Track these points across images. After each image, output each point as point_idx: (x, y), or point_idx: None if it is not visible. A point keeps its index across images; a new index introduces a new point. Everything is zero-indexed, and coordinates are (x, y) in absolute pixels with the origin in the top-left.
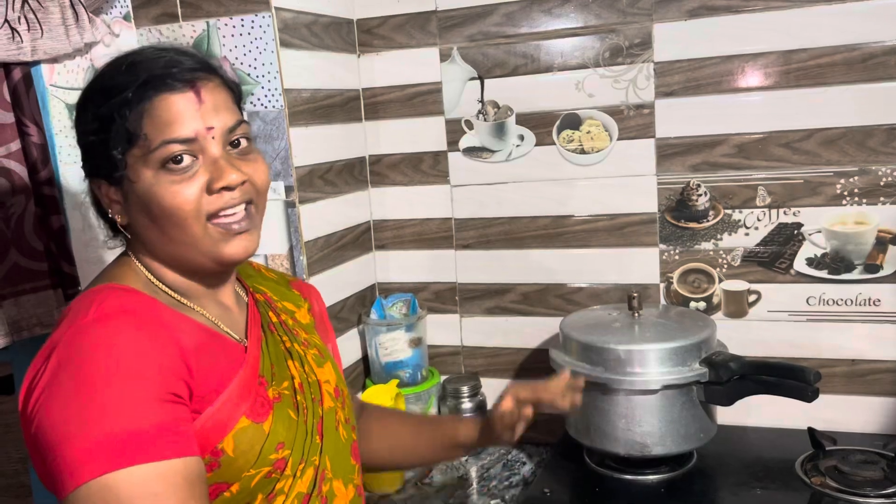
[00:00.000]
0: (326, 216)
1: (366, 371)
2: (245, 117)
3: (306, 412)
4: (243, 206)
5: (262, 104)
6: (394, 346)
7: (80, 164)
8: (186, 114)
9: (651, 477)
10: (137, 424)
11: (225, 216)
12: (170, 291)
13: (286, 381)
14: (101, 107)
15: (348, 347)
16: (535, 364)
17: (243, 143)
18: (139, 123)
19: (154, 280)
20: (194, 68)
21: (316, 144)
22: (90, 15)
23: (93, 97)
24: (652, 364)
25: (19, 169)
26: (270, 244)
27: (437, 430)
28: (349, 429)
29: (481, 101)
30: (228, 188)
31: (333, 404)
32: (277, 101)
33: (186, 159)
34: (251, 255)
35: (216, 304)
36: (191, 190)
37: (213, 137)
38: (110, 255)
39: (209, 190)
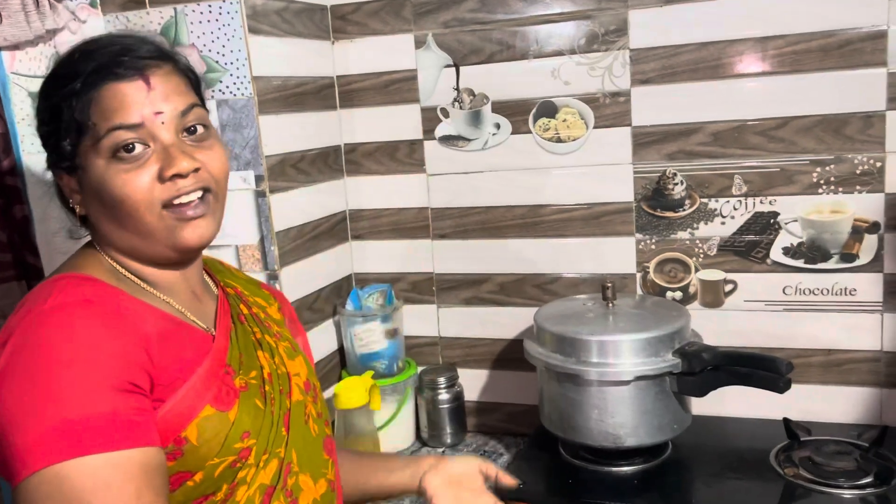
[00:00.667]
0: (299, 206)
1: (341, 362)
2: (204, 104)
3: (273, 403)
4: (198, 193)
5: (230, 92)
6: (369, 338)
7: (43, 152)
8: (135, 100)
9: (625, 468)
10: (91, 412)
11: (179, 204)
12: (135, 279)
13: (254, 371)
14: (52, 97)
15: (323, 339)
16: (511, 355)
17: (199, 129)
18: (87, 113)
19: (118, 268)
20: (145, 56)
21: (287, 133)
22: (52, 1)
23: (46, 87)
24: (625, 355)
25: None
26: (241, 235)
27: (374, 469)
28: (321, 423)
29: (457, 88)
30: (180, 175)
31: (303, 398)
32: (246, 88)
33: (138, 147)
34: (208, 241)
35: (184, 294)
36: (142, 178)
37: (162, 123)
38: (76, 246)
39: (160, 178)
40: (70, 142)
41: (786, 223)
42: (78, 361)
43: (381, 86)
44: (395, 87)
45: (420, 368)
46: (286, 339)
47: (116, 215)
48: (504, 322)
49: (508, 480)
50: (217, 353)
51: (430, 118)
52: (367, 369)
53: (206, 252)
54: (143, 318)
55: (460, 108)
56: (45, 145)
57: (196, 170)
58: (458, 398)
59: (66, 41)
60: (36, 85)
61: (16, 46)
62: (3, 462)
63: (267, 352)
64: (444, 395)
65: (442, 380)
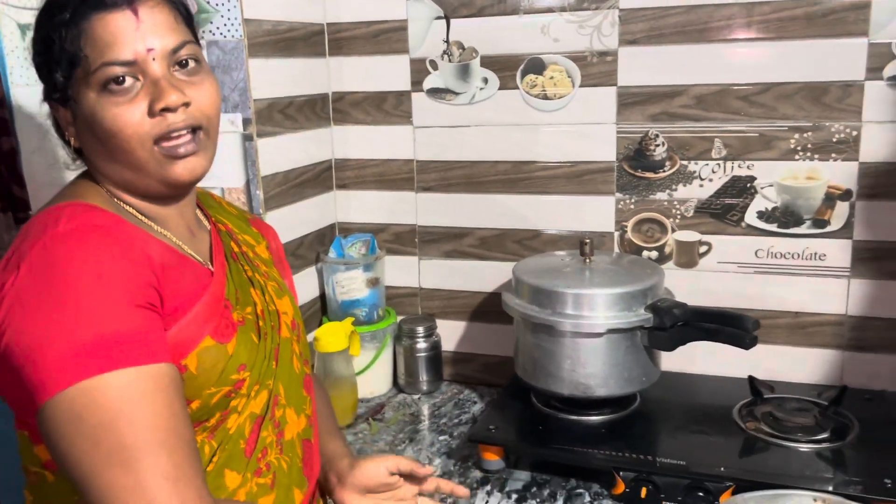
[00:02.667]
0: (286, 152)
1: (322, 308)
2: (197, 40)
3: (266, 338)
4: (189, 130)
5: (220, 33)
6: (351, 285)
7: (32, 85)
8: (125, 34)
9: (594, 418)
10: (120, 328)
11: (169, 140)
12: (133, 211)
13: (249, 307)
14: (44, 27)
15: (306, 284)
16: (490, 308)
17: (191, 63)
18: (78, 44)
19: (117, 200)
20: None
21: (276, 78)
22: None
23: (39, 17)
24: (599, 308)
25: None
26: (227, 177)
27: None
28: (302, 362)
29: (447, 41)
30: (169, 109)
31: (289, 335)
32: (237, 30)
33: (128, 81)
34: (199, 177)
35: (180, 228)
36: (132, 112)
37: (153, 59)
38: (62, 179)
39: (150, 112)
40: (62, 73)
41: (762, 188)
42: (98, 281)
43: (370, 35)
44: (384, 37)
45: (399, 318)
46: (273, 278)
47: (109, 148)
48: (484, 276)
49: (423, 471)
50: (216, 287)
51: (419, 70)
52: (348, 316)
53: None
54: (149, 245)
55: (449, 61)
56: (39, 77)
57: (186, 104)
58: (435, 347)
59: None
60: (26, 17)
61: None
62: (25, 382)
63: (258, 289)
64: (421, 344)
65: (420, 329)
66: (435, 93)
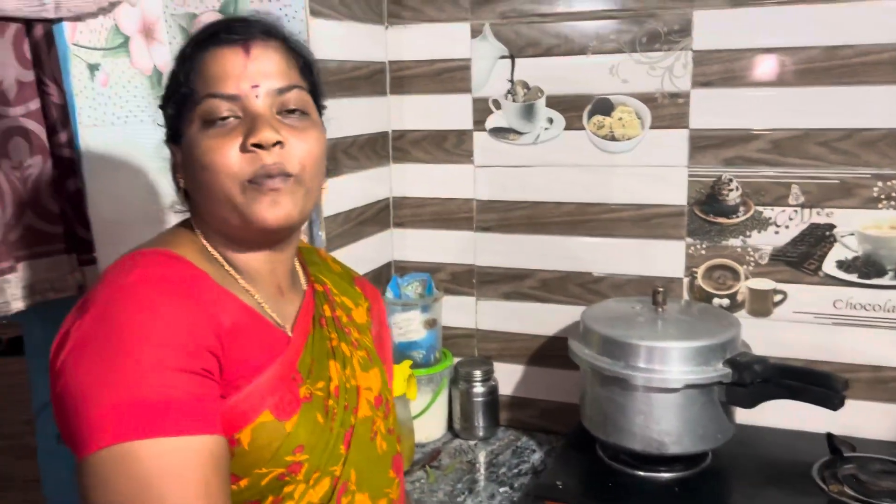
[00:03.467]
0: (348, 191)
1: None
2: (316, 91)
3: (335, 419)
4: (280, 176)
5: None
6: (408, 327)
7: (100, 125)
8: (233, 69)
9: (665, 475)
10: (168, 394)
11: (260, 180)
12: (224, 263)
13: (322, 382)
14: (173, 66)
15: None
16: (550, 352)
17: (298, 112)
18: (191, 78)
19: (210, 249)
20: (251, 27)
21: (341, 117)
22: None
23: (174, 60)
24: (674, 362)
25: (38, 129)
26: None
27: None
28: (392, 440)
29: (511, 80)
30: (260, 146)
31: (371, 413)
32: None
33: (229, 116)
34: (285, 224)
35: (269, 286)
36: (225, 146)
37: (256, 97)
38: (130, 222)
39: (243, 147)
40: (174, 109)
41: (841, 236)
42: (157, 340)
43: (433, 73)
44: (447, 76)
45: (456, 360)
46: (364, 347)
47: (202, 184)
48: (544, 319)
49: None
50: (289, 357)
51: (482, 109)
52: (405, 358)
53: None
54: (222, 306)
55: (513, 100)
56: (164, 119)
57: (279, 144)
58: (492, 392)
59: (124, 14)
60: (95, 57)
61: (77, 18)
62: (71, 433)
63: (339, 362)
64: (478, 388)
65: (478, 372)
66: (498, 132)
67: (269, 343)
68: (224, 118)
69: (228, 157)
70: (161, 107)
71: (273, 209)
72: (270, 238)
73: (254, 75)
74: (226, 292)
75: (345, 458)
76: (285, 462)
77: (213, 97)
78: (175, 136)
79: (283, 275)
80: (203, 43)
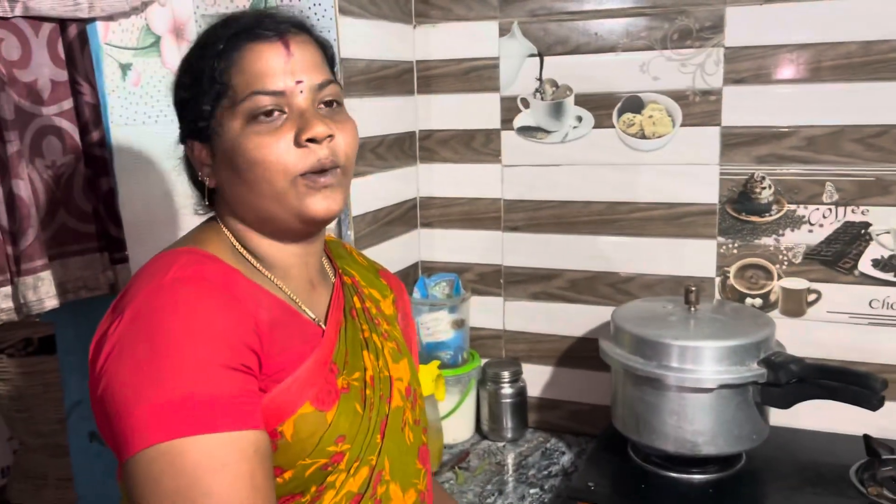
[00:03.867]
0: (375, 191)
1: None
2: (339, 82)
3: (372, 408)
4: (332, 170)
5: None
6: (436, 327)
7: (132, 124)
8: (275, 66)
9: (698, 476)
10: (212, 391)
11: (315, 174)
12: (253, 261)
13: (358, 373)
14: (196, 61)
15: None
16: (579, 353)
17: (335, 104)
18: (228, 74)
19: (239, 247)
20: (284, 22)
21: (369, 117)
22: None
23: (190, 53)
24: (708, 362)
25: (71, 128)
26: None
27: None
28: (418, 431)
29: (539, 79)
30: (314, 140)
31: (402, 404)
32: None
33: (275, 112)
34: (333, 215)
35: (300, 280)
36: (277, 142)
37: (301, 92)
38: (160, 221)
39: (296, 142)
40: (208, 104)
41: (877, 234)
42: (197, 338)
43: (460, 72)
44: (475, 75)
45: (483, 361)
46: (394, 338)
47: (247, 180)
48: (573, 319)
49: None
50: (325, 349)
51: (510, 108)
52: (433, 359)
53: None
54: (258, 302)
55: (542, 98)
56: (181, 114)
57: (331, 137)
58: (521, 393)
59: (156, 14)
60: (127, 56)
61: (110, 17)
62: (114, 434)
63: (372, 353)
64: (507, 390)
65: (506, 374)
66: (526, 131)
67: (305, 336)
68: (269, 113)
69: (282, 153)
70: (181, 103)
71: (325, 202)
72: (312, 230)
73: (296, 71)
74: (260, 288)
75: (380, 447)
76: (328, 452)
77: (259, 94)
78: (199, 132)
79: (314, 267)
80: (236, 38)
